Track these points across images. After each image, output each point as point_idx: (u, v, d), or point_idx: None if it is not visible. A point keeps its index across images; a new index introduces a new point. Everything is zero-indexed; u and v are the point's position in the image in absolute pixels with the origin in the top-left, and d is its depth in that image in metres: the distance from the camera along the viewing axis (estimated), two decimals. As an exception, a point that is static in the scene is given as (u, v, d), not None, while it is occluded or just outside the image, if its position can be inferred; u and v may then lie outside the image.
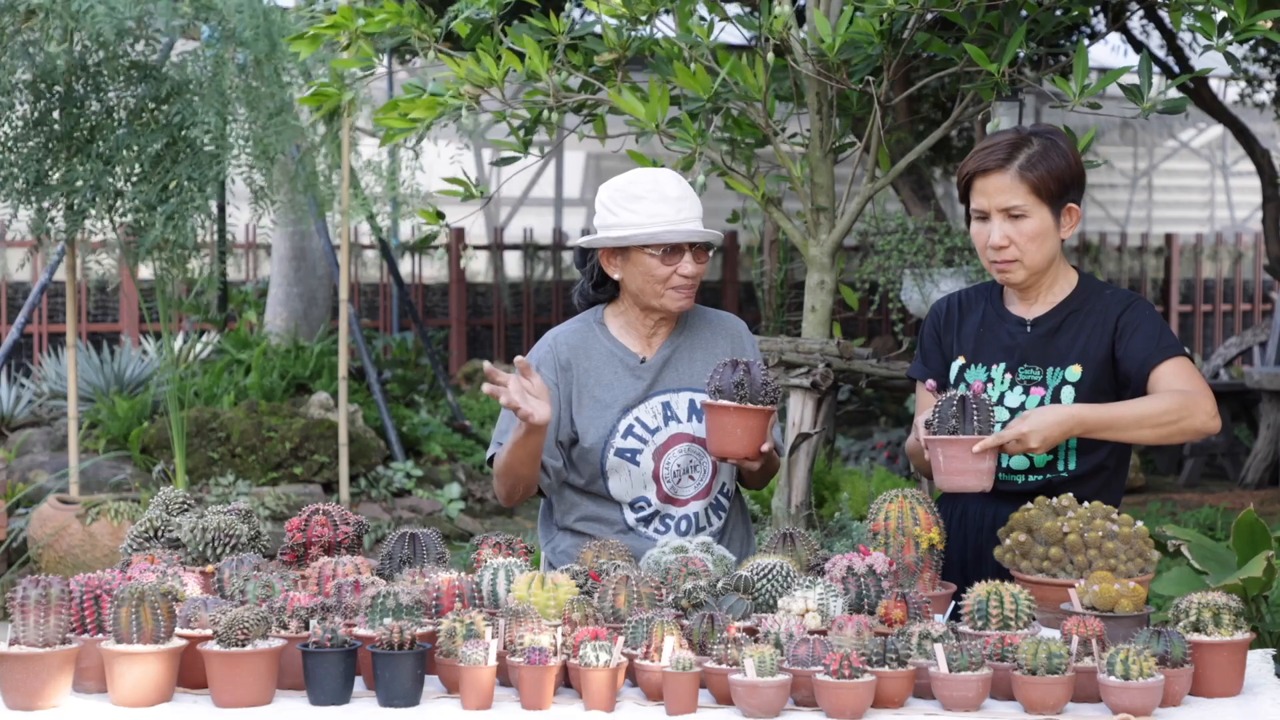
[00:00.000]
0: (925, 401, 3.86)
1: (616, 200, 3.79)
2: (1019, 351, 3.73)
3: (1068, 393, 3.66)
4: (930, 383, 3.64)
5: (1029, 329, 3.74)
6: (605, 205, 3.81)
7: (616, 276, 3.85)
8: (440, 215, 5.14)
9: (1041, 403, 3.67)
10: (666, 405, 3.85)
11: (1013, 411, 3.70)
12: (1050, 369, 3.69)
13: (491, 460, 3.81)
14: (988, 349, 3.77)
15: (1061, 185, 3.64)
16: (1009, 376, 3.72)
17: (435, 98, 4.83)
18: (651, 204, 3.75)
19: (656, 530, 3.86)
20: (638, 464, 3.83)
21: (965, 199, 3.73)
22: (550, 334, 3.93)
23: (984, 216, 3.67)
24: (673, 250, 3.76)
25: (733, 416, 3.58)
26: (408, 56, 13.21)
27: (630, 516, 3.86)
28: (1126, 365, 3.65)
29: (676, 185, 3.79)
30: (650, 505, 3.86)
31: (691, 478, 3.87)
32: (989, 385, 3.74)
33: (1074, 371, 3.67)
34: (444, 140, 9.07)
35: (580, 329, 3.92)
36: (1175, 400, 3.55)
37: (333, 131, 8.54)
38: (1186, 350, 3.67)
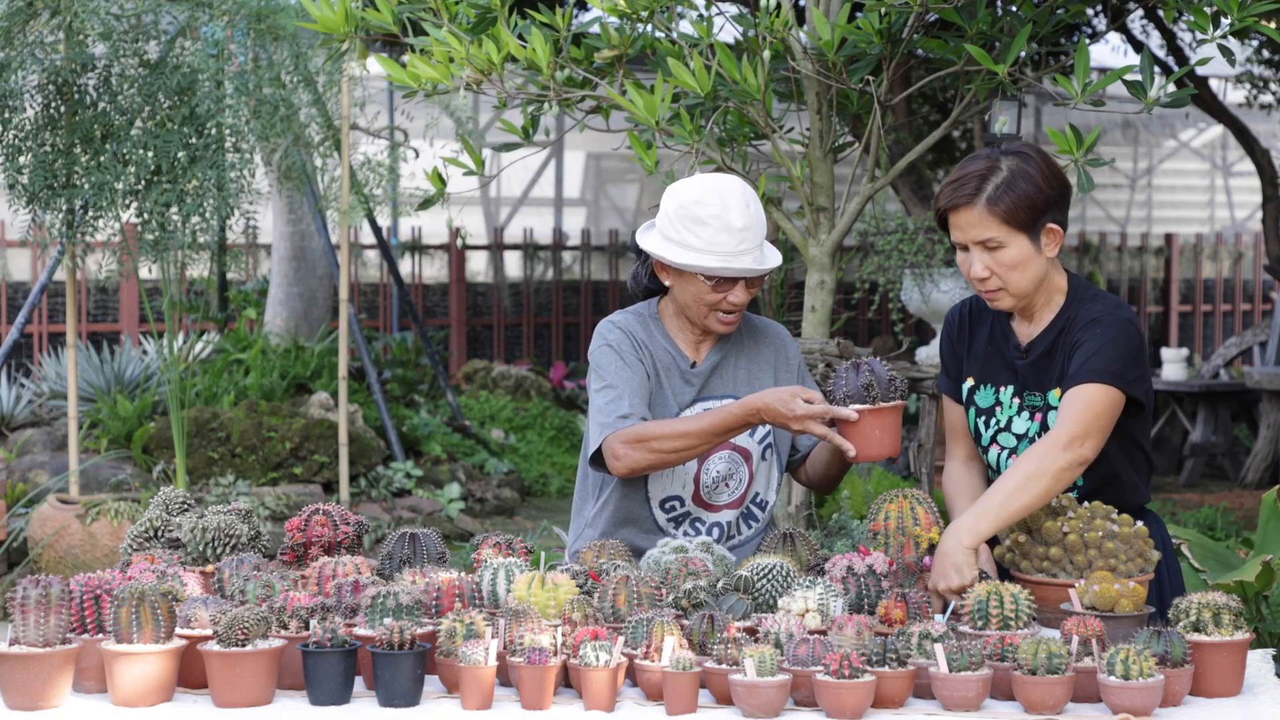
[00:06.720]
0: (954, 423, 3.84)
1: (681, 217, 3.71)
2: (1020, 376, 3.69)
3: (1054, 417, 3.60)
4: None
5: (1024, 356, 3.69)
6: (670, 216, 3.74)
7: (668, 284, 3.82)
8: (443, 181, 5.12)
9: (1042, 428, 3.64)
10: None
11: (1019, 438, 3.66)
12: (1047, 393, 3.65)
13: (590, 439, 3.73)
14: (996, 370, 3.73)
15: (1033, 211, 3.54)
16: (1016, 401, 3.69)
17: (442, 52, 4.80)
18: (714, 232, 3.68)
19: (686, 533, 3.84)
20: (683, 464, 3.80)
21: (944, 230, 3.70)
22: (611, 322, 3.86)
23: (965, 248, 3.63)
24: (725, 279, 3.73)
25: (869, 419, 3.52)
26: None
27: (661, 517, 3.85)
28: None
29: (742, 214, 3.69)
30: (682, 505, 3.84)
31: (727, 485, 3.85)
32: (998, 409, 3.71)
33: (1054, 395, 3.63)
34: (442, 141, 9.06)
35: (638, 322, 3.87)
36: (1027, 461, 3.43)
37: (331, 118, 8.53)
38: (1113, 379, 3.49)
